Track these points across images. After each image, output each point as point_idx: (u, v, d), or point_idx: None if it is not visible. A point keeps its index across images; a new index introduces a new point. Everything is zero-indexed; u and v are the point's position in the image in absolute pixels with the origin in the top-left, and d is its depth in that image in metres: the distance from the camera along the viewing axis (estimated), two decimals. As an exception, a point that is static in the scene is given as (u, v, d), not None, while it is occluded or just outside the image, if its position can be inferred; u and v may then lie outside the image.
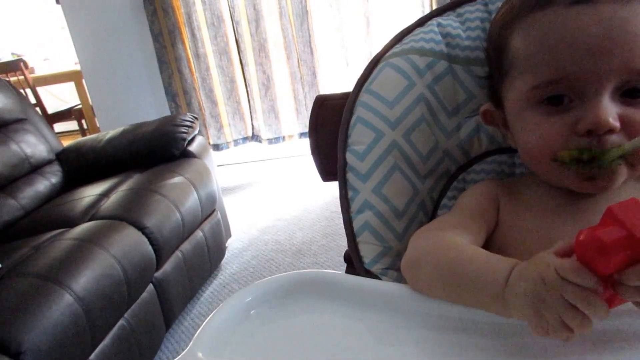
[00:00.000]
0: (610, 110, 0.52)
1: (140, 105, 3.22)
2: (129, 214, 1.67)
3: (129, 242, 1.57)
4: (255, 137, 3.40)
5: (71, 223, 1.67)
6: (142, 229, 1.64)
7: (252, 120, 3.35)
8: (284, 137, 3.34)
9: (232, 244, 2.43)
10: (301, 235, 2.45)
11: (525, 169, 0.71)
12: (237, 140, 3.37)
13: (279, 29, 3.10)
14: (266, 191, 3.19)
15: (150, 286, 1.65)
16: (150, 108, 3.20)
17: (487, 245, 0.61)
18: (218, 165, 3.56)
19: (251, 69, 3.20)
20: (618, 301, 0.41)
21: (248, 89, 3.26)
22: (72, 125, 4.91)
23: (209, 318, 0.53)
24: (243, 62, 3.20)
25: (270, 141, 3.34)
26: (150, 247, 1.64)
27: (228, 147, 3.37)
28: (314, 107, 0.80)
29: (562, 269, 0.40)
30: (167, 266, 1.76)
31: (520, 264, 0.45)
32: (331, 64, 3.16)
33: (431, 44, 0.71)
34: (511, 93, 0.60)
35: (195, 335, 0.50)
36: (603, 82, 0.52)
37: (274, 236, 2.49)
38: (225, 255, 2.30)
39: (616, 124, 0.51)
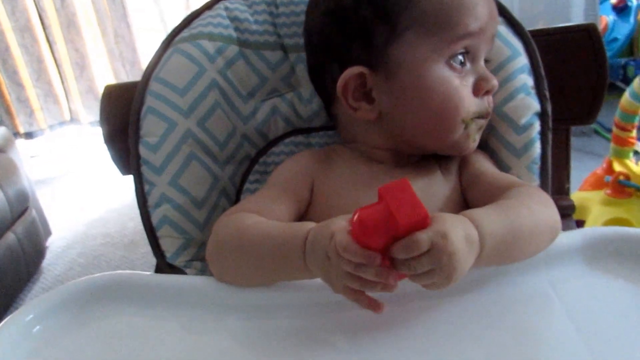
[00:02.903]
0: None
1: None
2: None
3: None
4: (74, 121, 3.11)
5: None
6: None
7: (68, 102, 3.06)
8: (107, 119, 3.11)
9: (54, 243, 2.21)
10: (133, 225, 2.30)
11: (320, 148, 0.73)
12: (52, 125, 3.07)
13: (89, 3, 2.86)
14: (92, 180, 2.93)
15: (-52, 307, 1.45)
16: None
17: (305, 218, 0.62)
18: (32, 156, 3.22)
19: (60, 47, 2.91)
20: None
21: (60, 69, 2.97)
22: None
23: None
24: (50, 39, 2.89)
25: (92, 124, 3.09)
26: (-58, 263, 1.43)
27: (43, 134, 3.05)
28: (103, 98, 0.76)
29: (340, 246, 0.42)
30: (-31, 280, 1.56)
31: (313, 229, 0.47)
32: (152, 40, 2.98)
33: (219, 29, 0.70)
34: (412, 52, 0.58)
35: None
36: (488, 45, 0.62)
37: (103, 229, 2.32)
38: (47, 256, 2.09)
39: None
